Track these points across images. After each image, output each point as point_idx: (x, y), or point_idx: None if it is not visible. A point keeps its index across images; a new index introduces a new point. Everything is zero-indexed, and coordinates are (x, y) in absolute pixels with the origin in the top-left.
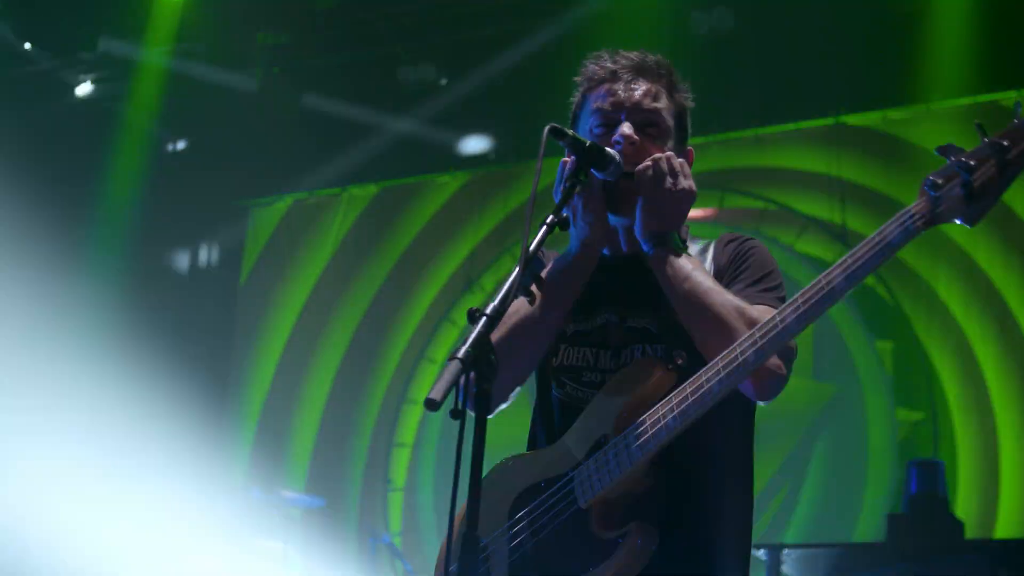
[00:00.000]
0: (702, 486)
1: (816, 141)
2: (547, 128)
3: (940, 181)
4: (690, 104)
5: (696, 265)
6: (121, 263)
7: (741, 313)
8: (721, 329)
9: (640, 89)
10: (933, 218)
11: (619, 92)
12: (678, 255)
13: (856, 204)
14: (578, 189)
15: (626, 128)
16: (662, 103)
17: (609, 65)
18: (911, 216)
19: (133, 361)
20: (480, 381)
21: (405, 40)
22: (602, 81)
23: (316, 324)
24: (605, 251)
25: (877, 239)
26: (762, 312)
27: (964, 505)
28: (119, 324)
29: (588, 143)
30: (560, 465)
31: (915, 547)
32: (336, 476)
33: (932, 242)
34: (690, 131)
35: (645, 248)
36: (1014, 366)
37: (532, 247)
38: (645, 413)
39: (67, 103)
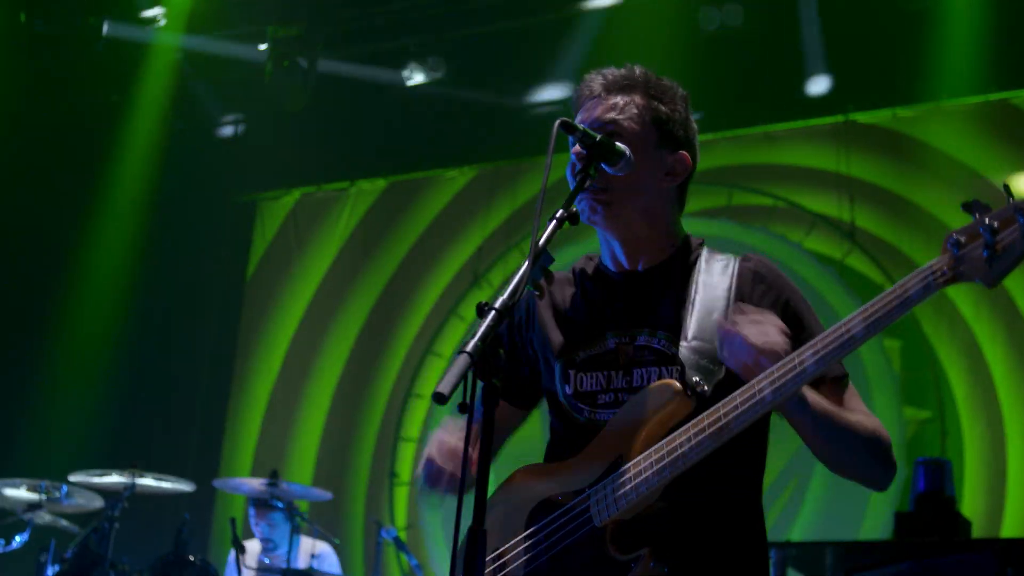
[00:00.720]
0: (716, 511)
1: (825, 138)
2: (557, 123)
3: (963, 239)
4: (678, 110)
5: (828, 403)
6: (127, 257)
7: (879, 436)
8: (872, 459)
9: (603, 105)
10: (954, 276)
11: (582, 113)
12: (804, 396)
13: (865, 202)
14: (588, 183)
15: (577, 147)
16: (626, 113)
17: (587, 86)
18: (933, 273)
19: (139, 354)
20: (488, 375)
21: (415, 33)
22: (581, 104)
23: (323, 318)
24: (611, 266)
25: (898, 291)
26: (876, 422)
27: (971, 504)
28: (124, 318)
29: (599, 137)
30: (578, 480)
31: (922, 545)
32: (342, 470)
33: (941, 240)
34: (686, 136)
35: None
36: (1022, 366)
37: (542, 241)
38: (663, 438)
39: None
